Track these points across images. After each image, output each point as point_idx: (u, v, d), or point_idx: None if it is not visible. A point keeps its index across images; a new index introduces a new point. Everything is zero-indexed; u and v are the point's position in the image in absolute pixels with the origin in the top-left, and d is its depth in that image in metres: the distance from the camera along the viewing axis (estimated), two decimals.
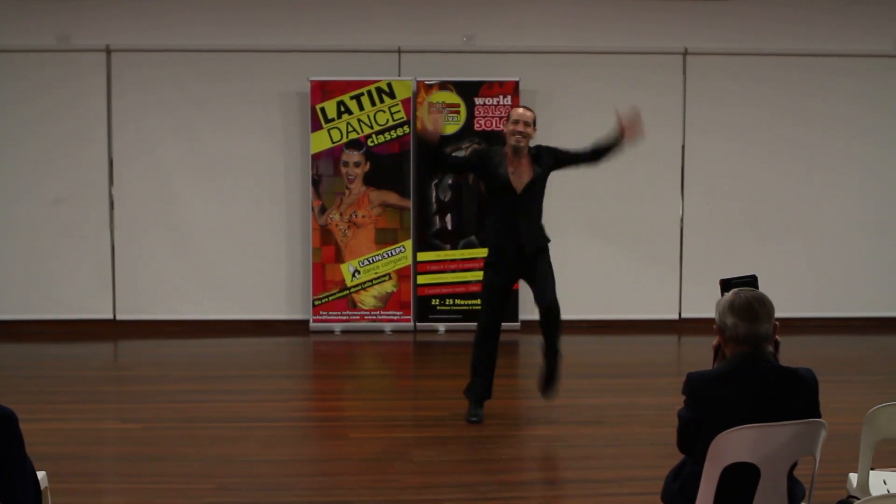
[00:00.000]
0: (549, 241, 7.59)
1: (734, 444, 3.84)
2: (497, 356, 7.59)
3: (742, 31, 11.31)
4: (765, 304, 4.02)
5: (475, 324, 10.93)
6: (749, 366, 3.99)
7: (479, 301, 10.92)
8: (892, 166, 11.46)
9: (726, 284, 4.25)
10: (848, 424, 5.84)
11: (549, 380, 7.52)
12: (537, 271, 7.47)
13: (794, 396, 3.97)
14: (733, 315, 4.01)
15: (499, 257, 7.46)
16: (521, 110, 7.44)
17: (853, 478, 4.49)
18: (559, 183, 11.18)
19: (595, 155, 7.55)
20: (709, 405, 3.98)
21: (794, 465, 4.02)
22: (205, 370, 9.45)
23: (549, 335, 7.48)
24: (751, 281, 4.26)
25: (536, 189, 7.41)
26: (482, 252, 10.81)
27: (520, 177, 7.33)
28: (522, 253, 7.40)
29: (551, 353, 7.49)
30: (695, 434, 4.02)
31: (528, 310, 11.11)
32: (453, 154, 7.70)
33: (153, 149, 11.07)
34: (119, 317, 11.21)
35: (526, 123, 7.32)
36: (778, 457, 3.89)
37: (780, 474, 3.92)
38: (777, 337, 4.11)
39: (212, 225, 11.16)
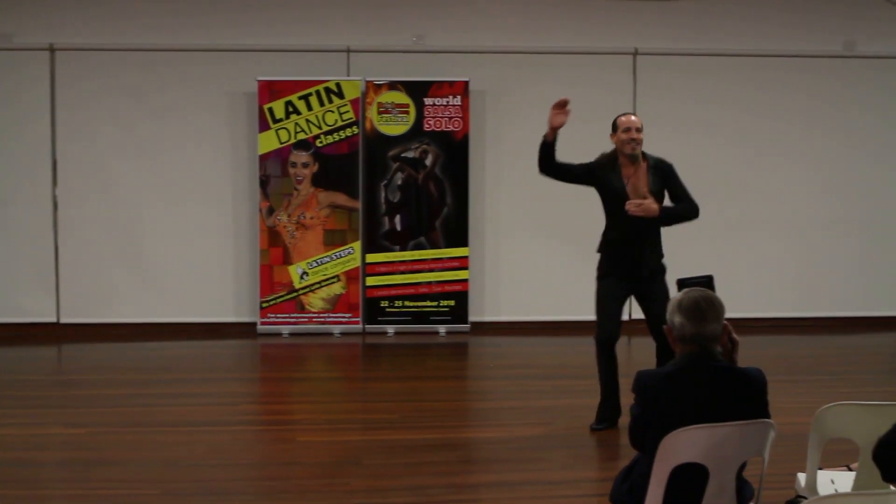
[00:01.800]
0: (662, 257, 7.31)
1: (683, 445, 3.87)
2: (616, 368, 7.39)
3: (692, 31, 11.40)
4: (713, 304, 4.05)
5: (425, 326, 11.03)
6: (696, 365, 4.03)
7: (435, 303, 11.05)
8: (848, 161, 11.59)
9: (682, 284, 4.28)
10: (796, 424, 5.90)
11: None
12: (655, 296, 7.20)
13: (742, 396, 4.01)
14: (681, 315, 4.05)
15: (614, 270, 7.24)
16: (628, 117, 7.23)
17: (801, 478, 4.53)
18: (510, 182, 11.28)
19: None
20: (657, 404, 4.01)
21: (743, 466, 4.06)
22: (151, 374, 9.39)
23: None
24: (706, 281, 4.30)
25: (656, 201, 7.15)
26: (432, 254, 10.90)
27: (636, 188, 7.15)
28: (639, 270, 7.19)
29: None
30: (645, 431, 4.05)
31: (478, 312, 11.17)
32: (564, 163, 7.33)
33: (98, 149, 10.99)
34: (63, 320, 11.12)
35: (637, 129, 7.16)
36: (727, 457, 3.93)
37: (729, 474, 3.95)
38: (735, 336, 4.15)
39: (158, 226, 11.09)
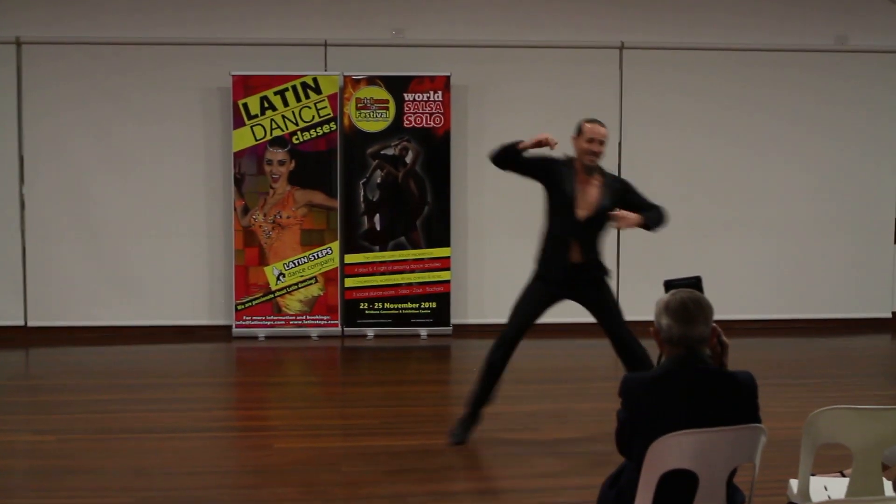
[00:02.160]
0: (606, 272, 7.24)
1: (671, 451, 3.87)
2: (503, 370, 7.32)
3: (680, 25, 11.43)
4: (701, 306, 4.05)
5: (406, 329, 11.02)
6: (684, 369, 4.02)
7: (416, 305, 11.04)
8: (839, 159, 11.62)
9: (669, 285, 4.28)
10: (788, 429, 5.91)
11: None
12: (603, 303, 7.21)
13: (731, 401, 4.01)
14: (668, 316, 4.05)
15: (547, 274, 7.21)
16: (596, 126, 7.08)
17: (794, 484, 4.54)
18: (493, 180, 11.26)
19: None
20: (644, 409, 4.00)
21: (733, 472, 4.06)
22: (121, 379, 9.36)
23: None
24: (695, 282, 4.30)
25: (601, 218, 7.07)
26: (413, 254, 10.88)
27: (586, 198, 7.06)
28: (569, 277, 7.12)
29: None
30: (632, 436, 4.05)
31: (461, 314, 11.17)
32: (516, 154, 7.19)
33: (66, 146, 10.95)
34: (30, 323, 11.07)
35: (601, 142, 7.06)
36: (717, 463, 3.92)
37: (719, 481, 3.95)
38: (725, 339, 4.15)
39: (129, 226, 11.06)
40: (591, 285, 7.18)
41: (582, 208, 7.02)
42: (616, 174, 7.34)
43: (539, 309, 7.28)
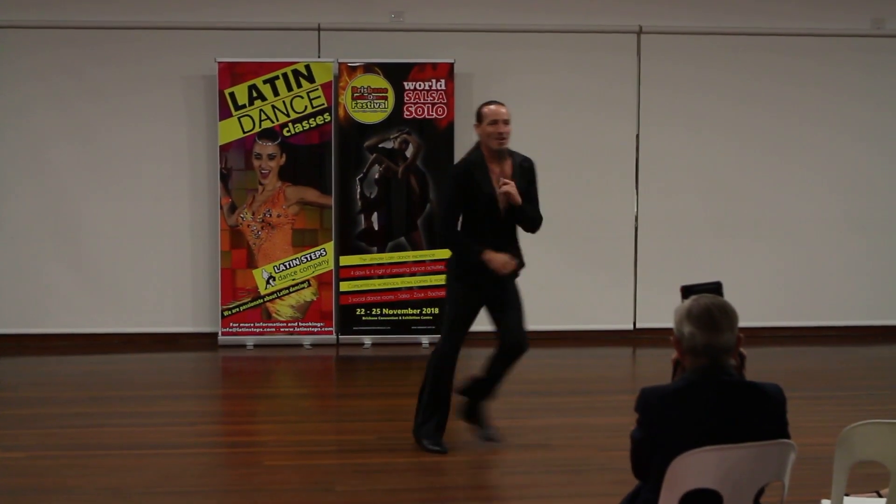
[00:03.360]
0: (523, 264, 7.31)
1: (693, 469, 3.87)
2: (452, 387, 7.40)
3: (703, 7, 11.42)
4: (726, 313, 4.05)
5: (406, 336, 11.02)
6: (708, 380, 4.02)
7: (417, 311, 11.04)
8: (869, 160, 11.64)
9: (688, 291, 4.28)
10: (819, 446, 5.91)
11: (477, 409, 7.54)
12: (507, 300, 7.27)
13: (758, 414, 4.01)
14: (691, 324, 4.04)
15: (475, 279, 7.16)
16: (495, 107, 7.16)
17: None
18: None
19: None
20: (664, 424, 4.00)
21: (760, 492, 4.06)
22: (98, 390, 9.37)
23: (501, 372, 7.36)
24: (715, 288, 4.30)
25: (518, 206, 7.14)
26: (413, 255, 10.89)
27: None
28: (498, 277, 7.12)
29: (488, 385, 7.42)
30: (649, 457, 4.05)
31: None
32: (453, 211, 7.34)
33: (39, 141, 10.96)
34: (0, 330, 11.08)
35: (506, 122, 7.12)
36: (742, 482, 3.92)
37: (745, 501, 3.95)
38: (742, 350, 4.15)
39: (106, 226, 11.07)
40: (506, 283, 7.23)
41: (502, 201, 7.11)
42: (524, 154, 7.32)
43: (474, 318, 7.30)
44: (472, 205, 7.12)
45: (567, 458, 7.24)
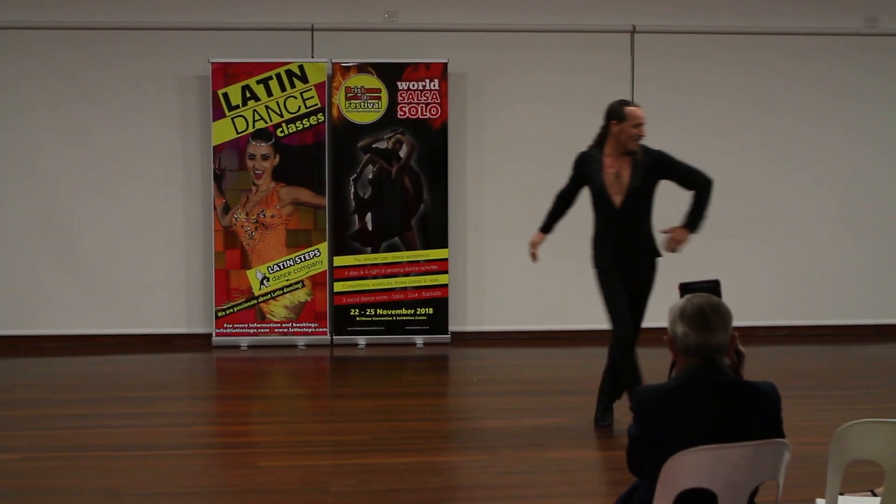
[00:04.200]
0: (657, 255, 7.75)
1: (688, 468, 3.87)
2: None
3: (696, 7, 11.43)
4: (719, 312, 4.05)
5: (400, 337, 11.02)
6: (701, 380, 4.02)
7: (411, 312, 11.04)
8: (865, 158, 11.64)
9: (685, 289, 4.28)
10: (814, 445, 5.92)
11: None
12: (633, 289, 7.67)
13: (753, 413, 4.01)
14: (684, 324, 4.04)
15: (606, 265, 7.68)
16: (637, 110, 7.55)
17: None
18: (495, 176, 11.29)
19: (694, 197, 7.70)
20: (658, 423, 4.00)
21: (755, 491, 4.06)
22: (93, 392, 9.36)
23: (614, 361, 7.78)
24: (712, 286, 4.30)
25: (635, 199, 7.56)
26: (407, 256, 10.90)
27: (620, 182, 7.54)
28: (634, 263, 7.63)
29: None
30: (645, 453, 4.05)
31: (459, 321, 11.17)
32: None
33: (32, 141, 10.95)
34: None
35: (644, 124, 7.55)
36: (737, 481, 3.93)
37: (740, 500, 3.96)
38: (741, 348, 4.15)
39: (100, 227, 11.06)
40: (643, 266, 7.69)
41: (617, 194, 7.52)
42: (651, 147, 7.67)
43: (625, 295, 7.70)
44: (592, 194, 7.67)
45: (562, 459, 7.24)
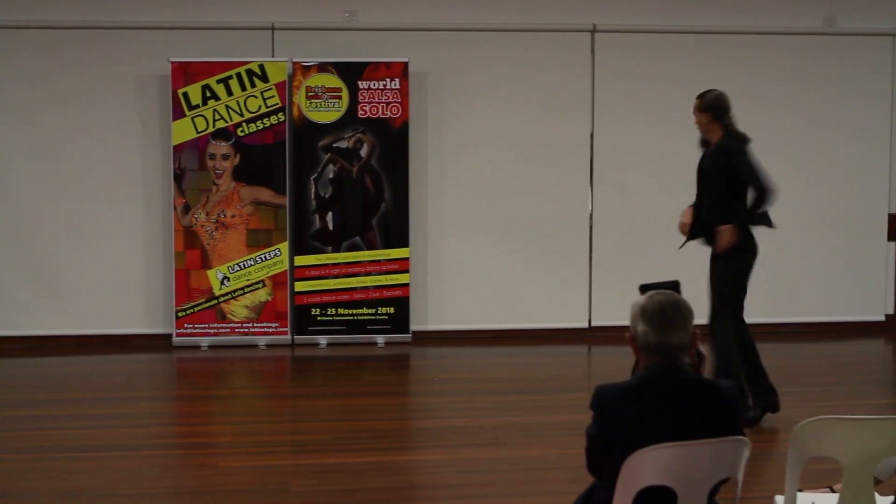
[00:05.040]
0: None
1: (648, 466, 3.87)
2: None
3: (656, 6, 11.45)
4: (680, 310, 4.05)
5: (361, 336, 11.00)
6: (661, 378, 4.03)
7: (372, 311, 11.02)
8: (826, 150, 11.66)
9: (644, 289, 4.29)
10: (774, 442, 5.96)
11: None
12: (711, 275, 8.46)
13: (712, 412, 4.02)
14: (644, 322, 4.05)
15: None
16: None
17: (779, 501, 4.56)
18: (456, 175, 11.29)
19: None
20: (619, 422, 4.01)
21: (716, 489, 4.07)
22: (50, 393, 9.30)
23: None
24: (673, 286, 4.30)
25: (705, 182, 8.22)
26: (368, 255, 10.88)
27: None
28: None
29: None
30: (604, 454, 4.05)
31: (421, 320, 11.16)
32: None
33: None
34: None
35: (695, 114, 8.27)
36: (696, 479, 3.94)
37: (700, 498, 3.97)
38: (703, 350, 4.16)
39: (57, 227, 10.99)
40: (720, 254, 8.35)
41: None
42: (730, 141, 8.23)
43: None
44: (740, 180, 8.18)
45: (523, 457, 7.25)
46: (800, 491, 4.53)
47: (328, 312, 11.04)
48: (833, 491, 4.94)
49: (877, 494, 4.39)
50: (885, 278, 11.92)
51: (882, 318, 11.94)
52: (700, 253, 11.41)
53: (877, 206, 11.86)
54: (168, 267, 11.00)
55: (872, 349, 11.47)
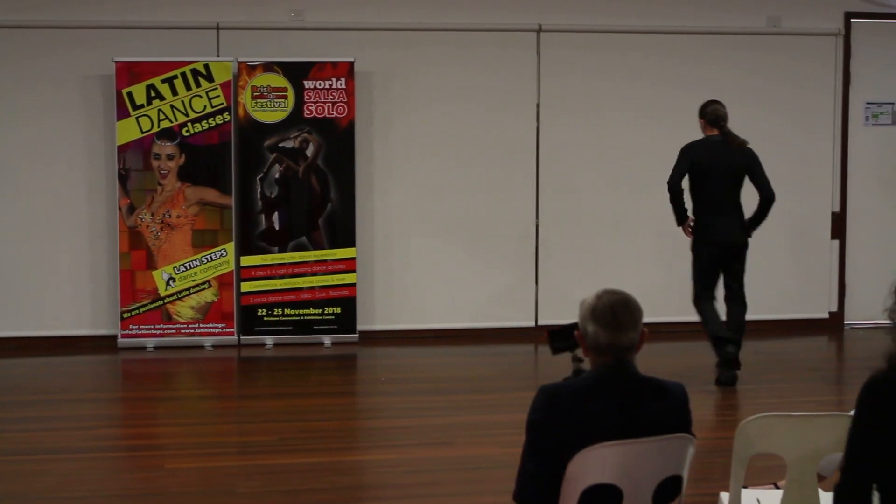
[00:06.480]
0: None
1: (592, 464, 3.88)
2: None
3: (603, 5, 11.49)
4: (629, 310, 4.05)
5: (308, 336, 10.98)
6: (611, 378, 4.03)
7: (319, 311, 10.98)
8: (779, 151, 11.64)
9: (553, 339, 4.43)
10: (719, 439, 5.99)
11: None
12: (729, 268, 9.67)
13: (662, 412, 4.03)
14: (594, 322, 4.05)
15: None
16: None
17: (724, 497, 4.59)
18: (401, 175, 11.29)
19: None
20: (571, 424, 3.99)
21: (662, 485, 4.08)
22: None
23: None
24: (571, 328, 4.35)
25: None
26: (314, 255, 10.86)
27: None
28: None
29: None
30: (543, 487, 4.00)
31: (368, 320, 11.15)
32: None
33: None
34: None
35: None
36: (641, 477, 3.95)
37: (645, 496, 3.98)
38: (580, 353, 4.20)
39: (0, 227, 10.89)
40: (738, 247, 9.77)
41: None
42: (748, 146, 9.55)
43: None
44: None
45: (469, 456, 7.27)
46: (745, 488, 4.56)
47: (275, 313, 11.00)
48: (777, 487, 4.96)
49: (820, 490, 4.42)
50: (828, 276, 12.01)
51: (826, 315, 12.03)
52: (651, 246, 11.50)
53: (820, 203, 11.94)
54: (113, 268, 10.92)
55: (816, 346, 11.57)
